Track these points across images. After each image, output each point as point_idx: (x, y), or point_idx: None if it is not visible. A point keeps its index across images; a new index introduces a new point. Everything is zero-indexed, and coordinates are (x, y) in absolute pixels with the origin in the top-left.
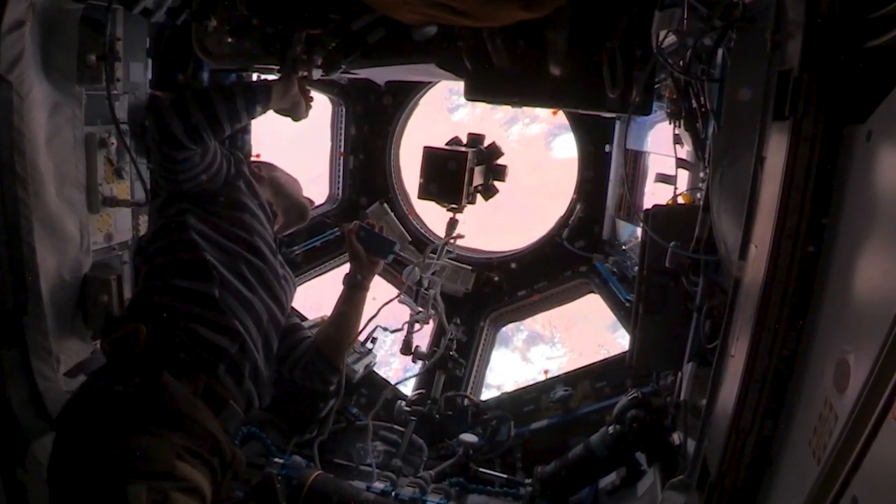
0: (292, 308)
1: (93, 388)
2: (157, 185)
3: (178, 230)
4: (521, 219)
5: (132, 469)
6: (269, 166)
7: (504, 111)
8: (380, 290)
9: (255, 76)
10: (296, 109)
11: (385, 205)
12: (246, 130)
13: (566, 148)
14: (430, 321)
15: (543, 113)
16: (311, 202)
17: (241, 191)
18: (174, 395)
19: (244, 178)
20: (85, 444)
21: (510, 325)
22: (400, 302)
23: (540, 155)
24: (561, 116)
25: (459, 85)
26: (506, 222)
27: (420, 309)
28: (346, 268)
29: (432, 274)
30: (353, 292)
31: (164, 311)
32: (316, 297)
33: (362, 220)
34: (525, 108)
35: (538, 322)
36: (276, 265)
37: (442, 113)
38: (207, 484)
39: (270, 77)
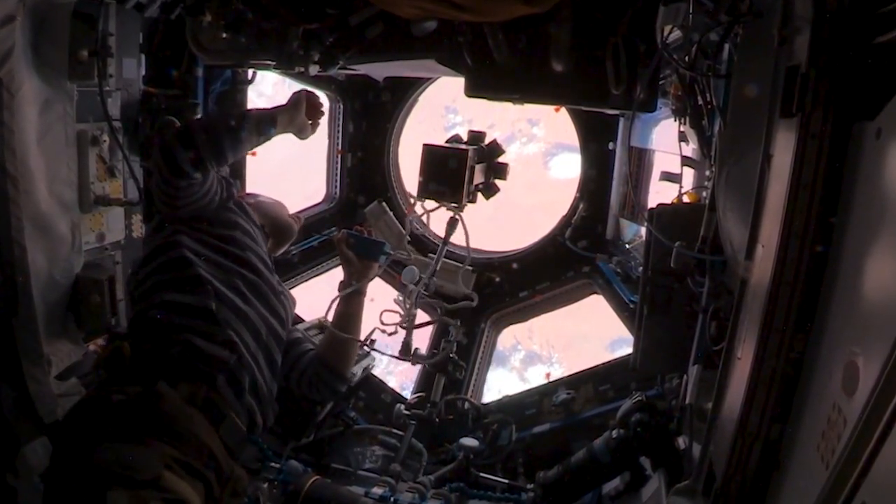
0: None
1: (91, 397)
2: (152, 209)
3: (171, 249)
4: (517, 236)
5: (115, 476)
6: (251, 195)
7: (501, 129)
8: (378, 292)
9: (250, 73)
10: (302, 132)
11: (384, 203)
12: None
13: (564, 167)
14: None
15: (541, 132)
16: (299, 219)
17: (233, 210)
18: (169, 405)
19: (234, 199)
20: (75, 450)
21: (507, 345)
22: (395, 301)
23: (538, 174)
24: (559, 135)
25: (456, 102)
26: (502, 242)
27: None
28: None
29: (432, 275)
30: (351, 298)
31: (161, 325)
32: (316, 301)
33: (360, 220)
34: (523, 128)
35: (536, 342)
36: (273, 281)
37: (438, 131)
38: (198, 498)
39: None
